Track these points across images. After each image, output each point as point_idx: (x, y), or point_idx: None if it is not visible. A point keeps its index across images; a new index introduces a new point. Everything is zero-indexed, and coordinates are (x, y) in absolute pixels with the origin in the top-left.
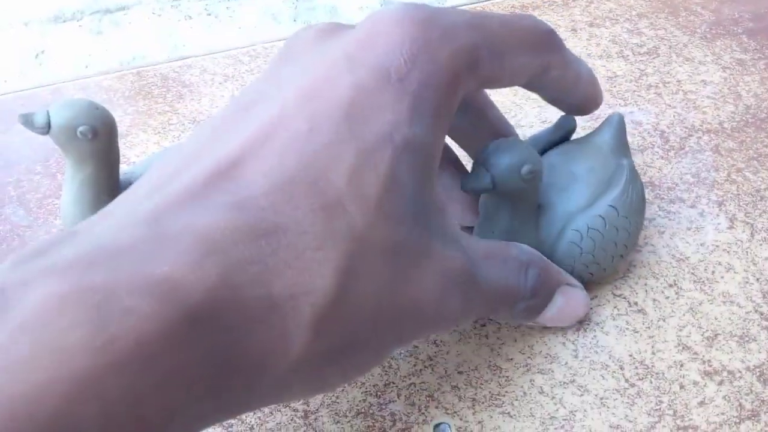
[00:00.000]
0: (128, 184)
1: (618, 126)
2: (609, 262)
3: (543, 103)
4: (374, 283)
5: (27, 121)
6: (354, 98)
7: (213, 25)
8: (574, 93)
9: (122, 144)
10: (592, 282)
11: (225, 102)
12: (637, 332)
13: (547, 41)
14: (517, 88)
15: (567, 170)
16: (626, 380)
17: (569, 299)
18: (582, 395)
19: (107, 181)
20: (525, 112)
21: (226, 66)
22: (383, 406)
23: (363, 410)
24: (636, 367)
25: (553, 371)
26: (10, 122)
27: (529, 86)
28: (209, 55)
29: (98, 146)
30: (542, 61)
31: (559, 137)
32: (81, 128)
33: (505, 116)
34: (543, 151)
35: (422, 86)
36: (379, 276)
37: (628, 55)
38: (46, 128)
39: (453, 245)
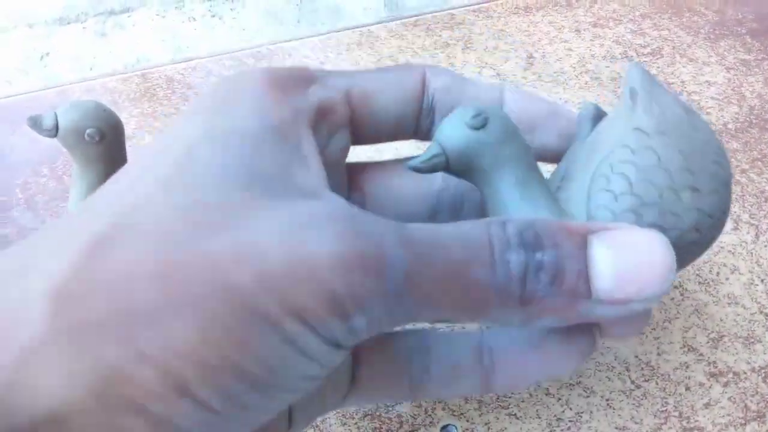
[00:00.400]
0: None
1: (638, 79)
2: (674, 200)
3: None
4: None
5: (35, 123)
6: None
7: (217, 27)
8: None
9: (128, 146)
10: (713, 231)
11: None
12: (642, 334)
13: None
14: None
15: (586, 147)
16: (632, 381)
17: (626, 247)
18: (588, 396)
19: None
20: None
21: (230, 68)
22: (390, 408)
23: (370, 412)
24: (642, 369)
25: None
26: (16, 124)
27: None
28: (214, 57)
29: (106, 148)
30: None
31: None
32: (89, 130)
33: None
34: None
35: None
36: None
37: (632, 56)
38: (54, 131)
39: (314, 200)
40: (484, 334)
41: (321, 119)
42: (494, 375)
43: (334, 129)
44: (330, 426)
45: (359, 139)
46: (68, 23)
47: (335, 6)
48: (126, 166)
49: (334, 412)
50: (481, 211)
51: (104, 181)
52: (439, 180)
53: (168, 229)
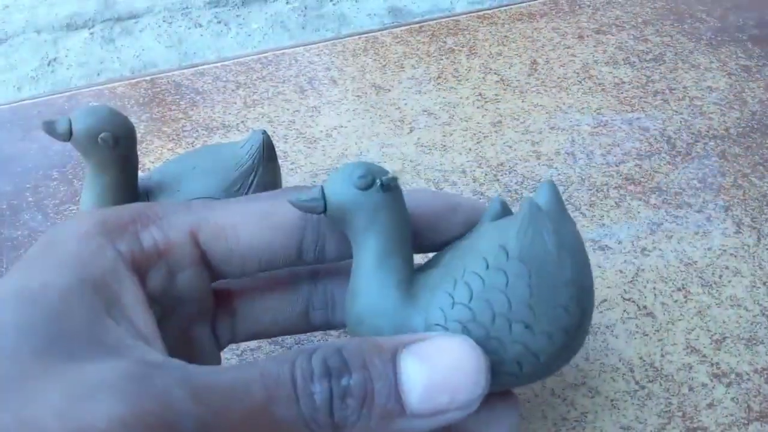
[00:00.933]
0: (145, 189)
1: (540, 200)
2: (503, 329)
3: (551, 109)
4: None
5: (49, 128)
6: None
7: (223, 33)
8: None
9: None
10: (536, 373)
11: (238, 108)
12: (646, 335)
13: None
14: (525, 94)
15: (465, 242)
16: (636, 382)
17: (433, 356)
18: (593, 397)
19: (127, 187)
20: (533, 118)
21: (238, 73)
22: None
23: None
24: (646, 370)
25: (564, 373)
26: (27, 129)
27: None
28: (221, 63)
29: (119, 153)
30: None
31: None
32: (102, 135)
33: (514, 122)
34: None
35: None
36: None
37: (634, 62)
38: (68, 135)
39: (112, 357)
40: None
41: (156, 261)
42: None
43: (178, 268)
44: None
45: (224, 272)
46: (76, 29)
47: (340, 12)
48: None
49: None
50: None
51: (117, 185)
52: (306, 284)
53: None
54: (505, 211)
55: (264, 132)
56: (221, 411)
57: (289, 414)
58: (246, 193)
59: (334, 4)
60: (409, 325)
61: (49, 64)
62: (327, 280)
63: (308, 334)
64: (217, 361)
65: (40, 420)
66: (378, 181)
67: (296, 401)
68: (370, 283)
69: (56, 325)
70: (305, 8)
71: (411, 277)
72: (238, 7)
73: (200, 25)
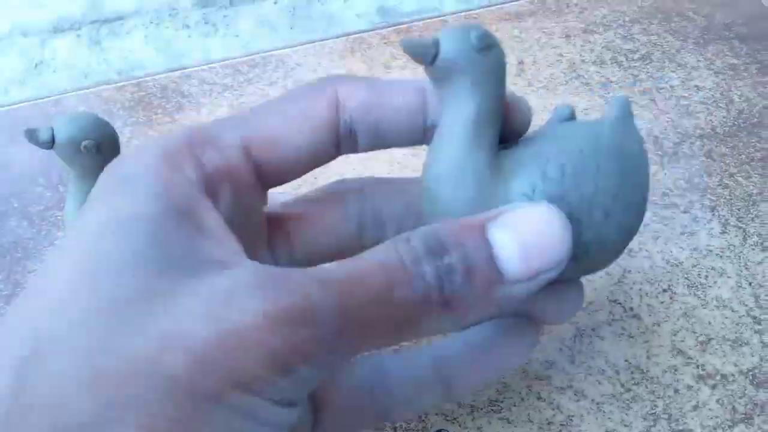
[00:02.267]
0: None
1: (626, 102)
2: (585, 211)
3: (538, 110)
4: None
5: (31, 136)
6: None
7: (211, 34)
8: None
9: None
10: (593, 263)
11: (224, 112)
12: (632, 337)
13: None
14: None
15: (550, 132)
16: (622, 385)
17: (520, 224)
18: (579, 400)
19: None
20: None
21: (224, 76)
22: None
23: None
24: (632, 372)
25: (550, 377)
26: (13, 134)
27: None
28: (208, 66)
29: (102, 160)
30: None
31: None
32: (85, 143)
33: None
34: None
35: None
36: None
37: (621, 61)
38: (51, 143)
39: (232, 269)
40: (437, 346)
41: (221, 184)
42: (454, 383)
43: (240, 188)
44: None
45: (274, 182)
46: (62, 32)
47: (329, 12)
48: (38, 272)
49: None
50: (402, 224)
51: None
52: (355, 202)
53: (91, 335)
54: (572, 117)
55: None
56: (351, 300)
57: (406, 296)
58: None
59: (322, 4)
60: (496, 192)
61: (36, 67)
62: (374, 197)
63: None
64: None
65: (188, 329)
66: (494, 45)
67: (410, 283)
68: (464, 141)
69: (163, 248)
70: (293, 8)
71: (497, 151)
72: (225, 8)
73: (188, 26)
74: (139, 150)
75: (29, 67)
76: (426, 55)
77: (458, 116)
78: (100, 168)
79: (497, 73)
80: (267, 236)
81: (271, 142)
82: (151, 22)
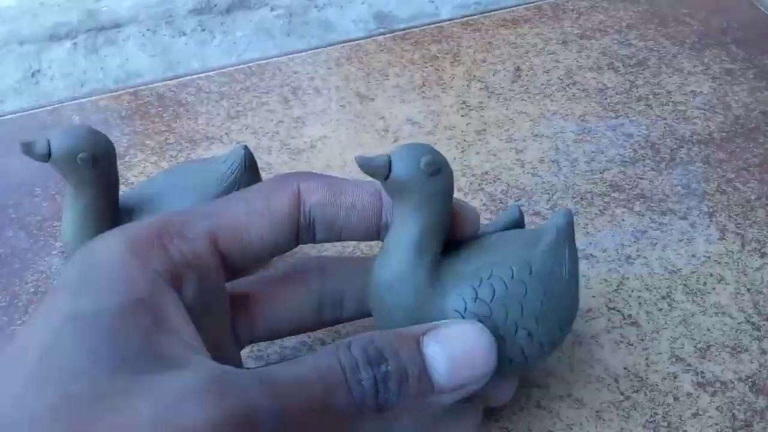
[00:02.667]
0: (127, 206)
1: (564, 227)
2: (510, 331)
3: (535, 116)
4: None
5: (28, 149)
6: None
7: (207, 42)
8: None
9: (120, 165)
10: (516, 370)
11: (221, 120)
12: (631, 345)
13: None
14: (509, 101)
15: (496, 239)
16: (621, 393)
17: (452, 340)
18: (578, 408)
19: (108, 206)
20: (518, 125)
21: (221, 84)
22: None
23: None
24: (631, 380)
25: (549, 385)
26: (9, 144)
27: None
28: (204, 74)
29: (98, 172)
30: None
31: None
32: (81, 155)
33: (498, 130)
34: None
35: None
36: None
37: (618, 67)
38: (47, 156)
39: (181, 369)
40: None
41: (187, 272)
42: None
43: (205, 275)
44: None
45: (237, 270)
46: (59, 40)
47: (325, 19)
48: None
49: None
50: (360, 302)
51: (98, 205)
52: (316, 281)
53: (42, 430)
54: (519, 221)
55: (245, 147)
56: (292, 404)
57: (344, 402)
58: None
59: (318, 11)
60: (431, 304)
61: (32, 76)
62: (334, 277)
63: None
64: (239, 362)
65: (137, 430)
66: (441, 170)
67: (349, 391)
68: (407, 256)
69: (119, 345)
70: (290, 15)
71: (439, 262)
72: (222, 15)
73: (184, 34)
74: (108, 238)
75: (26, 76)
76: (379, 174)
77: (404, 231)
78: (96, 180)
79: (443, 194)
80: (230, 317)
81: (236, 233)
82: (148, 30)
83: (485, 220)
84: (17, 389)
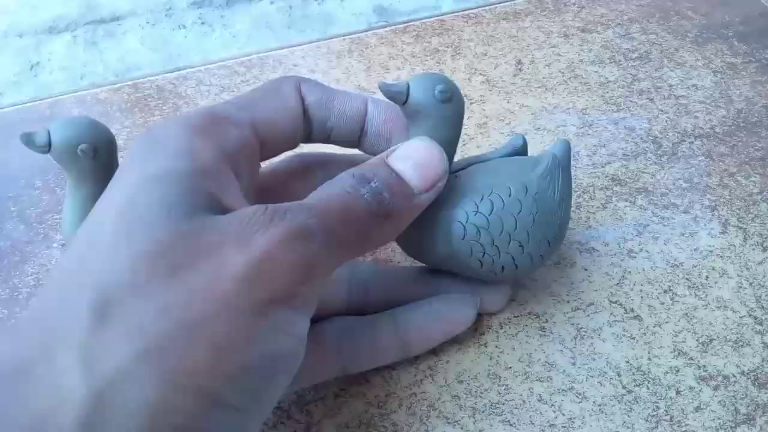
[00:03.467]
0: None
1: (560, 155)
2: (503, 241)
3: (536, 109)
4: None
5: (28, 140)
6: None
7: (207, 34)
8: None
9: (121, 157)
10: (508, 276)
11: None
12: (633, 338)
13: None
14: (510, 94)
15: (498, 164)
16: (623, 387)
17: (411, 152)
18: (580, 402)
19: None
20: (519, 119)
21: (222, 77)
22: (385, 417)
23: (365, 421)
24: (633, 374)
25: (551, 379)
26: (9, 137)
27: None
28: (204, 67)
29: (99, 164)
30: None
31: (509, 154)
32: (82, 146)
33: (499, 123)
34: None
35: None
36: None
37: (620, 60)
38: (47, 147)
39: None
40: (398, 313)
41: (240, 158)
42: (410, 343)
43: (251, 161)
44: None
45: (266, 158)
46: (58, 33)
47: (326, 12)
48: (85, 225)
49: (329, 420)
50: (384, 290)
51: (97, 196)
52: (345, 272)
53: (149, 275)
54: (523, 148)
55: None
56: (329, 218)
57: (361, 210)
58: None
59: (319, 4)
60: (441, 214)
61: (31, 69)
62: (361, 273)
63: None
64: None
65: (227, 259)
66: (453, 97)
67: (358, 203)
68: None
69: (189, 197)
70: (290, 8)
71: (449, 179)
72: (222, 8)
73: (184, 27)
74: (168, 121)
75: (25, 69)
76: (398, 98)
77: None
78: (97, 172)
79: (454, 117)
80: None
81: (271, 124)
82: (147, 23)
83: None
84: (105, 245)
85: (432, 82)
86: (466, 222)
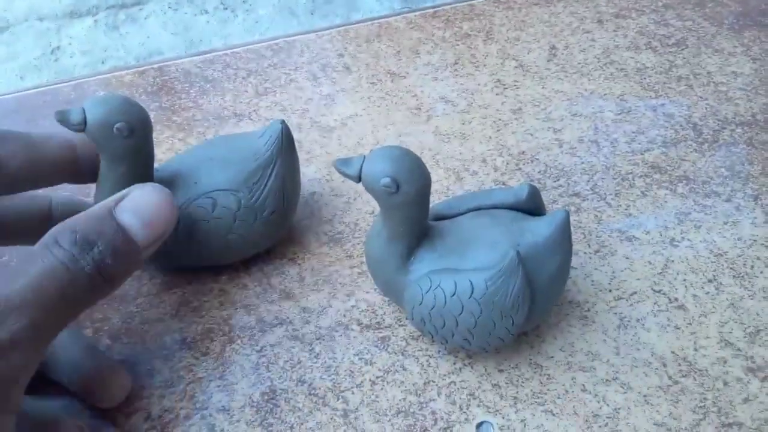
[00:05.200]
0: (162, 179)
1: (561, 224)
2: (446, 332)
3: (572, 95)
4: None
5: (63, 118)
6: None
7: (229, 20)
8: None
9: None
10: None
11: (249, 97)
12: (678, 329)
13: None
14: (545, 80)
15: (481, 229)
16: (669, 377)
17: (139, 204)
18: (625, 393)
19: (142, 179)
20: (555, 104)
21: (248, 61)
22: (424, 405)
23: (403, 409)
24: (679, 364)
25: (594, 369)
26: (32, 119)
27: None
28: (231, 50)
29: (134, 143)
30: None
31: (512, 204)
32: (118, 125)
33: (534, 109)
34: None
35: None
36: None
37: (656, 47)
38: (83, 125)
39: None
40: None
41: None
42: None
43: None
44: (363, 423)
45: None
46: (79, 17)
47: None
48: None
49: (367, 408)
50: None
51: (132, 177)
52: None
53: None
54: (532, 199)
55: (283, 122)
56: (38, 311)
57: (79, 287)
58: (266, 184)
59: None
60: (399, 281)
61: (52, 53)
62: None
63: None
64: None
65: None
66: (399, 188)
67: (76, 278)
68: (380, 248)
69: None
70: None
71: (413, 248)
72: None
73: (206, 12)
74: None
75: (45, 53)
76: (352, 179)
77: (381, 227)
78: (131, 151)
79: (406, 204)
80: None
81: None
82: (169, 7)
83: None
84: None
85: (380, 171)
86: (413, 309)
